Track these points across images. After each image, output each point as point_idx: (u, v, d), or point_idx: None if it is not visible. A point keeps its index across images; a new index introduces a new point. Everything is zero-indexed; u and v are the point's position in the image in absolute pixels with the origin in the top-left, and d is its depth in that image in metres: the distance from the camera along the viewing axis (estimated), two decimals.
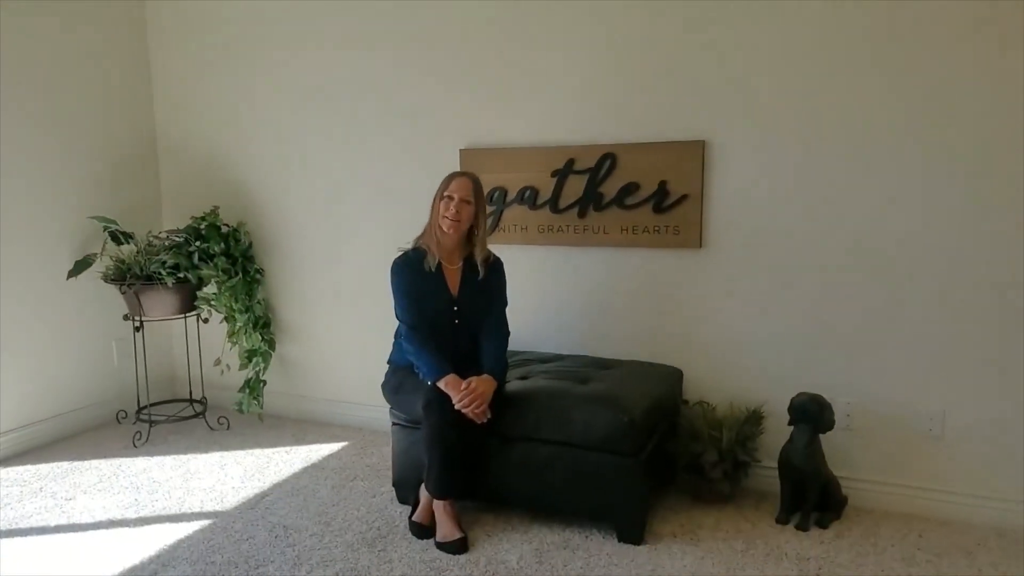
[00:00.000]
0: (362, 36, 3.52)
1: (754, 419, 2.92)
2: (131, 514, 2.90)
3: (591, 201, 3.16)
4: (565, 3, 3.11)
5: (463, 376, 2.64)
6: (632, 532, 2.61)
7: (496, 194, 3.29)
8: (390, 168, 3.56)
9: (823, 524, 2.72)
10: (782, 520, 2.75)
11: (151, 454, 3.50)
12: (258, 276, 3.84)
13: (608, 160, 3.11)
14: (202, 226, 3.67)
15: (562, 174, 3.19)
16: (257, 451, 3.53)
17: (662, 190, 3.05)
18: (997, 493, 2.72)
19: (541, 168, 3.22)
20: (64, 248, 3.65)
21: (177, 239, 3.62)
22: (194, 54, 3.94)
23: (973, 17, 2.55)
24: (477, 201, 2.76)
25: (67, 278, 3.59)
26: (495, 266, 2.87)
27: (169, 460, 3.42)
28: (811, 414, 2.70)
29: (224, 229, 3.72)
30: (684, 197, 3.02)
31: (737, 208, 2.97)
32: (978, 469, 2.74)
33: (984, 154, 2.60)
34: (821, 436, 2.73)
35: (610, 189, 3.13)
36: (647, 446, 2.65)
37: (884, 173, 2.74)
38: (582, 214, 3.19)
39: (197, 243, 3.58)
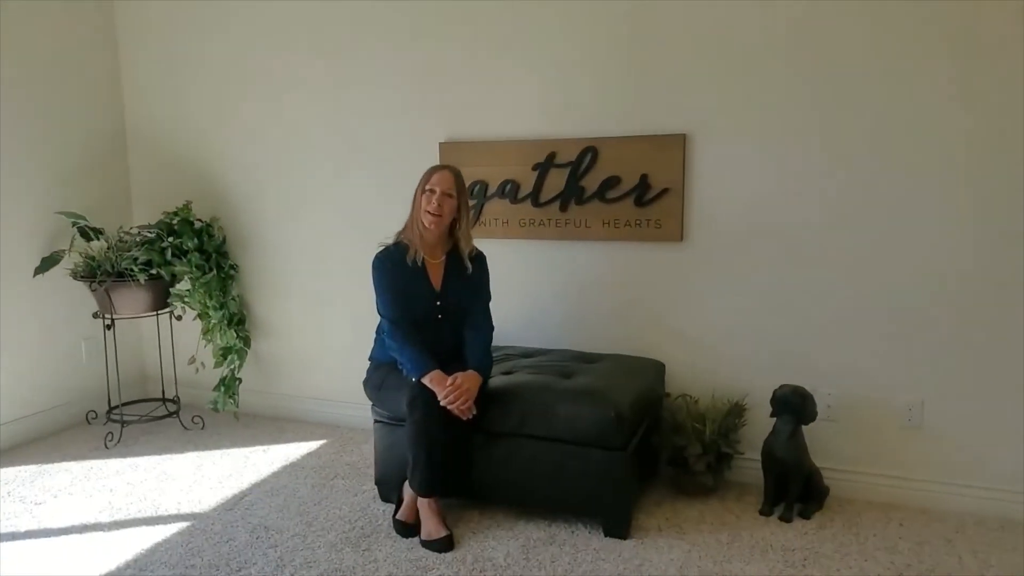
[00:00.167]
0: (339, 29, 3.46)
1: (736, 411, 2.93)
2: (105, 518, 2.82)
3: (573, 195, 3.14)
4: None
5: (447, 372, 2.61)
6: (618, 527, 2.61)
7: (477, 188, 3.26)
8: (368, 161, 3.51)
9: (806, 515, 2.74)
10: (766, 512, 2.77)
11: (124, 455, 3.41)
12: (232, 272, 3.76)
13: (589, 154, 3.10)
14: (175, 221, 3.59)
15: (543, 167, 3.17)
16: (234, 450, 3.46)
17: (643, 184, 3.04)
18: (974, 481, 2.76)
19: (522, 161, 3.20)
20: (30, 244, 3.54)
21: (149, 235, 3.53)
22: (165, 47, 3.84)
23: (959, 14, 2.57)
24: (459, 194, 2.73)
25: (34, 275, 3.47)
26: (478, 260, 2.84)
27: (143, 461, 3.34)
28: (794, 406, 2.72)
29: (197, 224, 3.63)
30: (665, 191, 3.02)
31: (718, 202, 2.97)
32: (955, 458, 2.78)
33: (963, 150, 2.63)
34: (803, 427, 2.75)
35: (592, 183, 3.11)
36: (633, 440, 2.65)
37: (864, 168, 2.76)
38: (564, 208, 3.17)
39: (170, 239, 3.50)
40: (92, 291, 3.47)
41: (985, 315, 2.68)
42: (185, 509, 2.87)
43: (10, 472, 3.24)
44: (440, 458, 2.57)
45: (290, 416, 3.85)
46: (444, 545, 2.53)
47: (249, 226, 3.80)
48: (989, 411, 2.72)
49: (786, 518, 2.71)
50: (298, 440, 3.57)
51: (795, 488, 2.73)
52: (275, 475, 3.17)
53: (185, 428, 3.72)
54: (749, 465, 2.94)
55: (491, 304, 2.88)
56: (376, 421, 2.88)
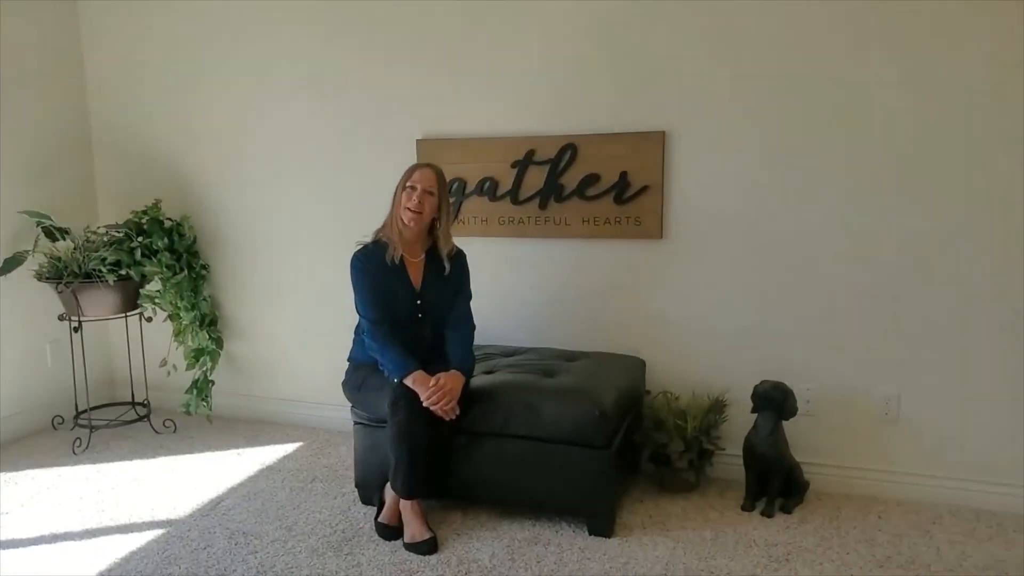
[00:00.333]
0: (313, 23, 3.40)
1: (717, 407, 2.94)
2: (76, 527, 2.73)
3: (552, 192, 3.13)
4: None
5: (429, 372, 2.57)
6: (603, 525, 2.60)
7: (455, 185, 3.23)
8: (343, 159, 3.46)
9: (787, 510, 2.76)
10: (747, 507, 2.78)
11: (93, 461, 3.32)
12: (203, 272, 3.68)
13: (569, 151, 3.08)
14: (144, 220, 3.50)
15: (522, 165, 3.15)
16: (208, 454, 3.39)
17: (623, 181, 3.04)
18: (949, 472, 2.81)
19: (501, 159, 3.17)
20: None
21: (117, 234, 3.44)
22: (130, 42, 3.73)
23: (942, 11, 2.61)
24: (440, 193, 2.69)
25: None
26: (458, 258, 2.81)
27: (113, 467, 3.25)
28: (775, 401, 2.73)
29: (167, 223, 3.55)
30: (645, 188, 3.02)
31: (697, 199, 2.98)
32: (931, 450, 2.83)
33: (938, 148, 2.67)
34: (784, 423, 2.77)
35: (571, 180, 3.10)
36: (616, 438, 2.64)
37: (841, 165, 2.78)
38: (543, 205, 3.15)
39: (139, 238, 3.41)
40: (58, 293, 3.37)
41: (959, 311, 2.73)
42: (159, 516, 2.80)
43: None
44: (423, 459, 2.54)
45: (265, 418, 3.78)
46: (428, 547, 2.50)
47: (220, 225, 3.72)
48: (963, 404, 2.77)
49: (768, 513, 2.73)
50: (274, 443, 3.50)
51: (776, 483, 2.75)
52: (251, 479, 3.11)
53: (156, 432, 3.63)
54: (730, 461, 2.95)
55: (471, 303, 2.85)
56: (356, 423, 2.83)
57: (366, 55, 3.34)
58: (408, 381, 2.53)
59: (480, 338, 2.88)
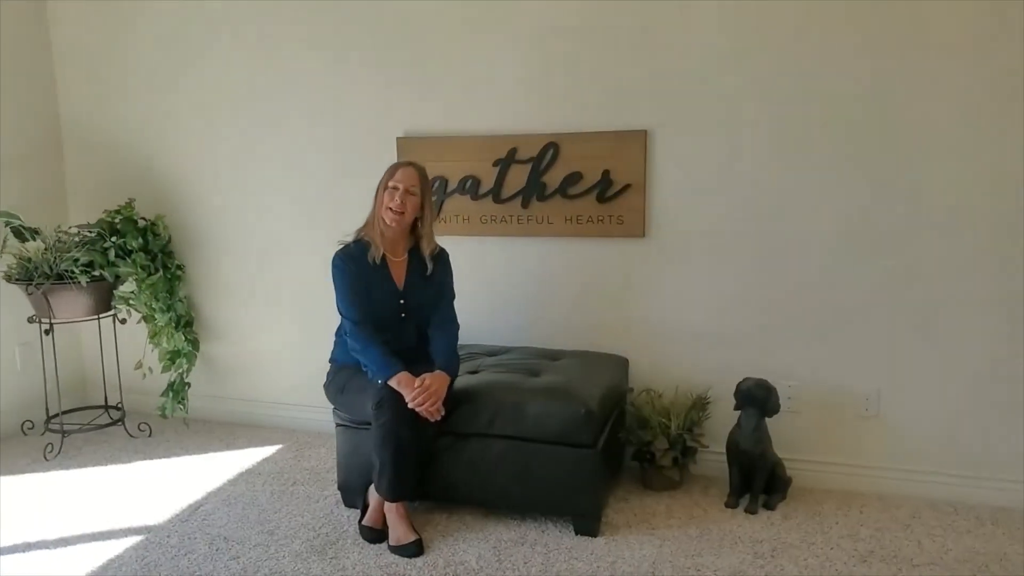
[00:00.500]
0: (293, 20, 3.35)
1: (700, 405, 2.96)
2: (50, 535, 2.66)
3: (534, 191, 3.12)
4: None
5: (413, 372, 2.55)
6: (589, 524, 2.60)
7: (437, 184, 3.20)
8: (322, 157, 3.41)
9: (770, 506, 2.78)
10: (731, 504, 2.80)
11: (66, 467, 3.24)
12: (179, 272, 3.61)
13: (551, 149, 3.07)
14: (117, 220, 3.42)
15: (504, 163, 3.13)
16: (185, 458, 3.33)
17: (605, 180, 3.04)
18: (926, 467, 2.85)
19: (483, 157, 3.16)
20: None
21: (89, 234, 3.36)
22: (100, 38, 3.65)
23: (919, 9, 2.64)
24: (423, 192, 2.66)
25: None
26: (441, 258, 2.78)
27: (88, 472, 3.18)
28: (758, 399, 2.75)
29: (141, 223, 3.48)
30: (627, 187, 3.02)
31: (679, 197, 2.99)
32: (910, 445, 2.86)
33: (919, 146, 2.70)
34: (766, 420, 2.79)
35: (553, 179, 3.09)
36: (602, 437, 2.64)
37: (822, 164, 2.81)
38: (525, 204, 3.14)
39: (113, 239, 3.33)
40: (28, 294, 3.28)
41: (937, 309, 2.77)
42: (137, 522, 2.74)
43: None
44: (408, 461, 2.52)
45: (243, 421, 3.72)
46: (414, 550, 2.47)
47: (196, 224, 3.66)
48: (941, 400, 2.81)
49: (752, 510, 2.75)
50: (252, 446, 3.45)
51: (760, 480, 2.77)
52: (231, 483, 3.06)
53: (131, 436, 3.55)
54: (712, 458, 2.97)
55: (453, 302, 2.83)
56: (338, 425, 2.80)
57: (345, 52, 3.30)
58: (392, 382, 2.51)
59: (463, 337, 2.86)
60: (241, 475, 3.13)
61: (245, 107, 3.48)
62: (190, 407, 3.66)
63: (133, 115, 3.66)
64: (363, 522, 2.62)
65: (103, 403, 3.69)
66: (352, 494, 2.79)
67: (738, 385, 2.81)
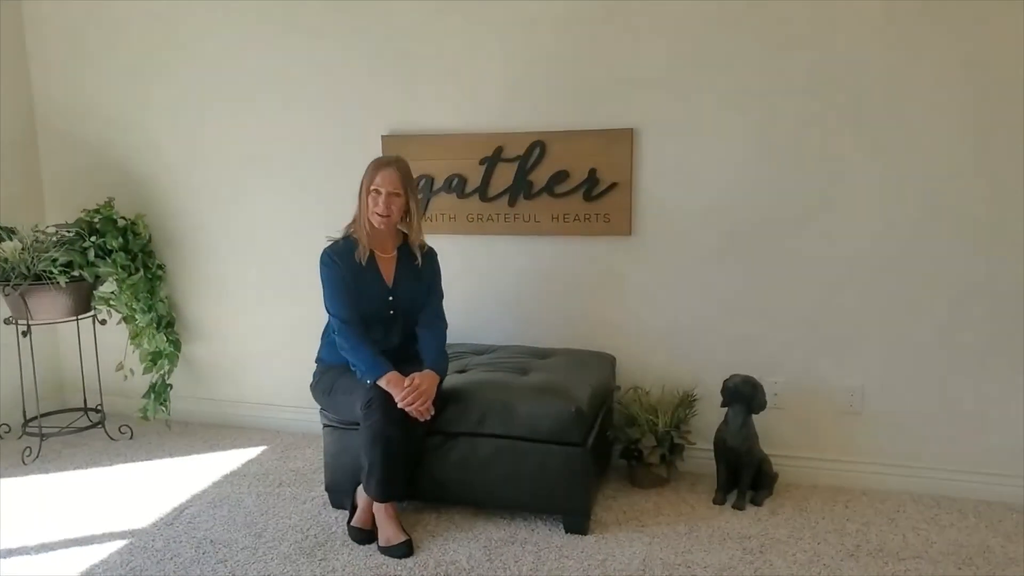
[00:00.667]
0: (276, 17, 3.31)
1: (687, 402, 2.97)
2: (30, 541, 2.61)
3: (521, 189, 3.11)
4: None
5: (401, 371, 2.53)
6: (578, 523, 2.60)
7: (423, 182, 3.18)
8: (306, 155, 3.38)
9: (757, 502, 2.80)
10: (719, 501, 2.82)
11: (45, 471, 3.18)
12: (160, 272, 3.56)
13: (538, 148, 3.07)
14: (96, 220, 3.36)
15: (491, 162, 3.12)
16: (168, 460, 3.28)
17: (592, 178, 3.04)
18: (909, 461, 2.89)
19: (469, 155, 3.14)
20: None
21: (67, 234, 3.29)
22: (77, 33, 3.58)
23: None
24: (407, 190, 2.63)
25: None
26: (429, 257, 2.77)
27: (68, 476, 3.12)
28: (745, 395, 2.77)
29: (121, 223, 3.42)
30: (614, 185, 3.03)
31: (666, 196, 3.00)
32: (893, 440, 2.90)
33: (904, 145, 2.74)
34: (754, 416, 2.81)
35: (540, 177, 3.09)
36: (591, 435, 2.64)
37: (807, 163, 2.83)
38: (512, 203, 3.13)
39: (92, 238, 3.27)
40: (5, 296, 3.22)
41: (919, 307, 2.80)
42: (120, 526, 2.70)
43: None
44: (397, 462, 2.50)
45: (226, 422, 3.68)
46: (404, 550, 2.46)
47: (176, 223, 3.60)
48: (923, 396, 2.85)
49: (739, 506, 2.77)
50: (236, 447, 3.41)
51: (747, 476, 2.79)
52: (216, 485, 3.02)
53: (112, 439, 3.50)
54: (699, 455, 2.99)
55: (442, 301, 2.81)
56: (325, 426, 2.77)
57: (329, 50, 3.27)
58: (382, 383, 2.49)
59: (450, 336, 2.84)
60: (226, 477, 3.09)
61: (226, 105, 3.44)
62: (172, 409, 3.61)
63: (111, 112, 3.60)
64: (352, 523, 2.59)
65: (82, 405, 3.63)
66: (340, 495, 2.76)
67: (725, 382, 2.83)
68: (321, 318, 2.75)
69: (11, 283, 3.12)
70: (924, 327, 2.81)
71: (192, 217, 3.58)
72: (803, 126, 2.81)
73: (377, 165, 2.63)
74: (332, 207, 3.14)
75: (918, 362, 2.84)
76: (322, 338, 2.80)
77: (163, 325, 3.53)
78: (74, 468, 3.21)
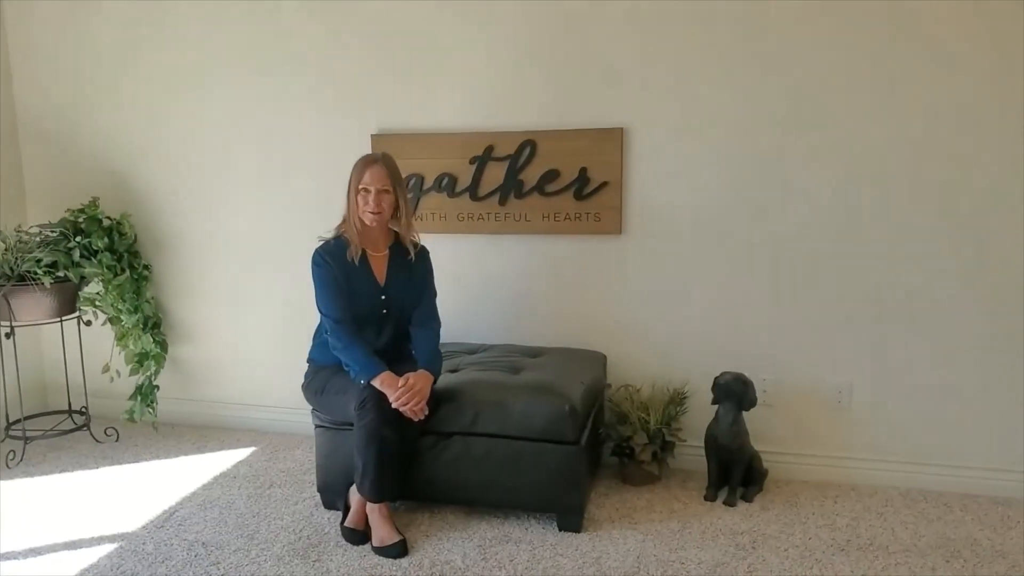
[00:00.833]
0: (263, 15, 3.28)
1: (677, 400, 2.99)
2: (17, 546, 2.57)
3: (512, 188, 3.11)
4: None
5: (394, 371, 2.53)
6: (572, 521, 2.61)
7: (412, 181, 3.17)
8: (295, 154, 3.35)
9: (748, 498, 2.82)
10: (710, 497, 2.84)
11: (30, 474, 3.13)
12: (146, 273, 3.52)
13: (528, 147, 3.07)
14: (81, 219, 3.32)
15: (481, 161, 3.12)
16: (156, 462, 3.25)
17: (583, 177, 3.05)
18: (897, 457, 2.93)
19: (459, 154, 3.14)
20: None
21: (52, 234, 3.25)
22: (59, 32, 3.53)
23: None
24: (396, 186, 2.62)
25: None
26: (421, 256, 2.76)
27: (54, 480, 3.08)
28: (736, 393, 2.79)
29: (106, 222, 3.37)
30: (604, 184, 3.03)
31: (656, 195, 3.01)
32: (880, 436, 2.94)
33: (893, 145, 2.77)
34: (744, 413, 2.83)
35: (531, 176, 3.09)
36: (584, 433, 2.65)
37: (797, 162, 2.86)
38: (503, 202, 3.13)
39: (77, 238, 3.23)
40: None
41: (907, 305, 2.84)
42: (110, 530, 2.66)
43: None
44: (391, 462, 2.50)
45: (214, 424, 3.65)
46: (398, 551, 2.45)
47: (162, 223, 3.56)
48: (909, 392, 2.89)
49: (730, 502, 2.79)
50: (225, 448, 3.38)
51: (738, 473, 2.81)
52: (206, 487, 2.99)
53: (97, 441, 3.45)
54: (690, 452, 3.01)
55: (435, 300, 2.81)
56: (317, 426, 2.76)
57: (319, 47, 3.25)
58: (376, 383, 2.48)
59: (441, 336, 2.84)
60: (216, 479, 3.07)
61: (213, 104, 3.40)
62: (159, 411, 3.57)
63: (94, 110, 3.55)
64: (345, 524, 2.59)
65: (67, 408, 3.58)
66: (332, 496, 2.75)
67: (716, 379, 2.85)
68: (310, 318, 2.73)
69: None
70: (911, 323, 2.85)
71: (178, 217, 3.54)
72: (795, 126, 2.84)
73: (364, 163, 2.62)
74: (321, 206, 3.13)
75: (906, 359, 2.87)
76: (313, 338, 2.79)
77: (149, 326, 3.49)
78: (60, 471, 3.16)
